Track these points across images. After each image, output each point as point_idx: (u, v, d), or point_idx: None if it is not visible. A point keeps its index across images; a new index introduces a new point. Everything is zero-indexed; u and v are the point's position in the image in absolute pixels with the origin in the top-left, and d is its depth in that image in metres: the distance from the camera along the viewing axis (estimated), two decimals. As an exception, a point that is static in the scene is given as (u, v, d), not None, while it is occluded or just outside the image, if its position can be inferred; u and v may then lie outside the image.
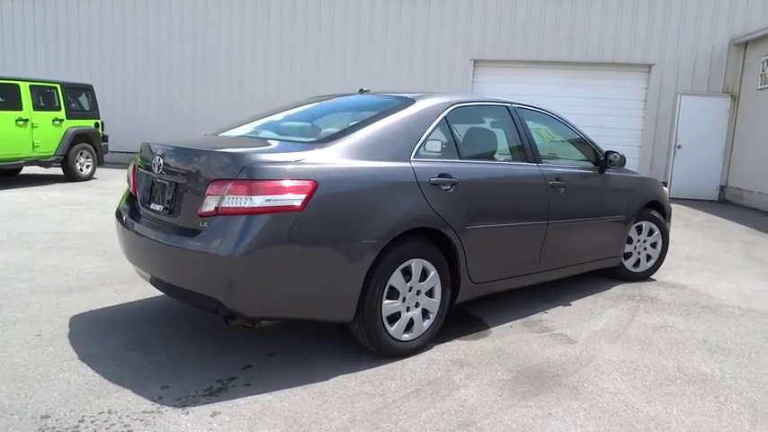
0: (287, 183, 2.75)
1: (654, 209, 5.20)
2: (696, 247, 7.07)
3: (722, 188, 12.54)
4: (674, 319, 4.20)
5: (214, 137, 3.73)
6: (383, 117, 3.33)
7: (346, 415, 2.63)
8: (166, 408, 2.64)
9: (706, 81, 12.38)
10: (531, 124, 4.20)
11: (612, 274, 5.18)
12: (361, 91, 4.12)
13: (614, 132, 12.81)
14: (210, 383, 2.89)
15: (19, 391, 2.73)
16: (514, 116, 4.07)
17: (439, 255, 3.36)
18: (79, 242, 5.84)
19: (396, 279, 3.15)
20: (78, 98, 11.11)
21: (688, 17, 12.30)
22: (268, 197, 2.71)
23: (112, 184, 10.76)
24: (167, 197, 3.13)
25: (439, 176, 3.34)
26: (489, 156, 3.94)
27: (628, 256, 5.13)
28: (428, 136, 3.42)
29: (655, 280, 5.31)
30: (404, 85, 13.39)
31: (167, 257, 2.96)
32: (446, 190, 3.35)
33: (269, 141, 3.32)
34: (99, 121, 11.49)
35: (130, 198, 3.61)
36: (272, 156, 2.85)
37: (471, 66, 13.27)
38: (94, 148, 11.35)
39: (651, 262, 5.26)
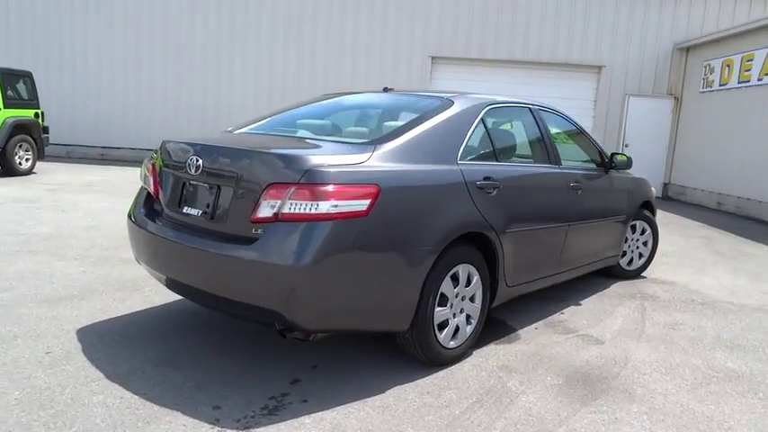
0: (353, 187, 2.61)
1: (646, 208, 5.36)
2: (665, 243, 7.37)
3: (665, 185, 13.22)
4: (682, 317, 4.35)
5: (250, 136, 3.49)
6: (428, 118, 3.22)
7: (421, 430, 2.53)
8: (229, 431, 2.44)
9: (652, 83, 12.99)
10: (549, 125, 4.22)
11: (607, 273, 5.31)
12: (385, 89, 3.98)
13: (566, 131, 13.20)
14: (264, 401, 2.70)
15: (55, 419, 2.45)
16: (536, 117, 4.07)
17: (481, 259, 3.30)
18: (48, 245, 5.37)
19: (446, 285, 3.07)
20: (16, 86, 10.26)
21: (635, 22, 12.84)
22: (335, 203, 2.55)
23: (59, 179, 10.02)
24: (207, 201, 2.89)
25: (484, 179, 3.27)
26: (521, 157, 3.92)
27: (623, 254, 5.27)
28: (470, 138, 3.35)
29: (645, 277, 5.49)
30: (361, 81, 13.25)
31: (213, 267, 2.74)
32: (489, 193, 3.30)
33: (316, 142, 3.14)
34: (39, 111, 10.67)
35: (148, 199, 3.33)
36: (333, 158, 2.69)
37: (429, 62, 13.30)
38: (34, 140, 10.51)
39: (643, 260, 5.43)
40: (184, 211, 3.00)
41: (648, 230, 5.39)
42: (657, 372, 3.31)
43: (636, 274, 5.42)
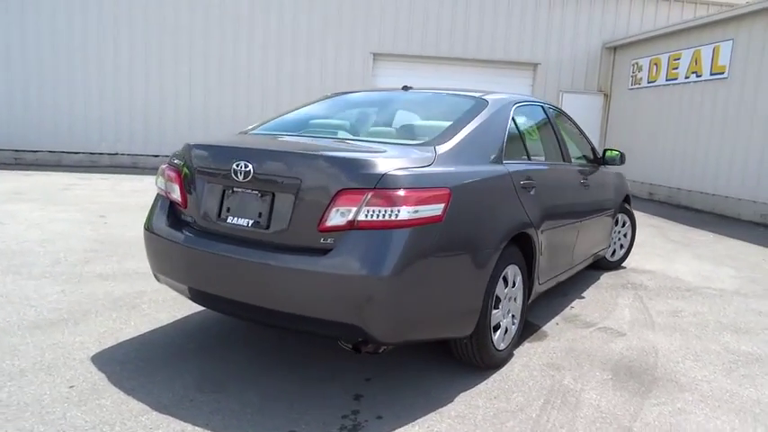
0: (429, 191, 2.50)
1: (626, 202, 5.59)
2: (623, 233, 7.75)
3: (597, 177, 13.90)
4: (678, 304, 4.56)
5: (288, 138, 3.25)
6: (471, 118, 3.17)
7: (510, 438, 2.48)
8: (318, 457, 2.27)
9: (583, 80, 13.62)
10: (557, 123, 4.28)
11: (593, 265, 5.47)
12: (405, 88, 3.87)
13: (504, 127, 13.59)
14: (338, 421, 2.54)
15: (121, 463, 2.18)
16: (549, 115, 4.12)
17: (522, 259, 3.29)
18: (3, 263, 4.82)
19: (499, 287, 3.03)
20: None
21: (568, 21, 13.41)
22: (415, 208, 2.44)
23: (-21, 189, 9.06)
24: (258, 210, 2.68)
25: (526, 179, 3.26)
26: (545, 155, 3.94)
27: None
28: (507, 137, 3.33)
29: (625, 267, 5.72)
30: (301, 81, 12.97)
31: (278, 281, 2.54)
32: (529, 192, 3.29)
33: (371, 145, 2.99)
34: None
35: (171, 209, 3.05)
36: (403, 161, 2.57)
37: (371, 59, 13.23)
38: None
39: (623, 251, 5.66)
40: (229, 221, 2.76)
41: (628, 222, 5.62)
42: (688, 359, 3.44)
43: (617, 265, 5.64)
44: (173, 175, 3.03)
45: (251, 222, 2.69)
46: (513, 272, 3.16)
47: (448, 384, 2.94)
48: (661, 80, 11.57)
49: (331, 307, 2.46)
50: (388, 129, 3.38)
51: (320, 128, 3.47)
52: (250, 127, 3.61)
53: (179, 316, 3.73)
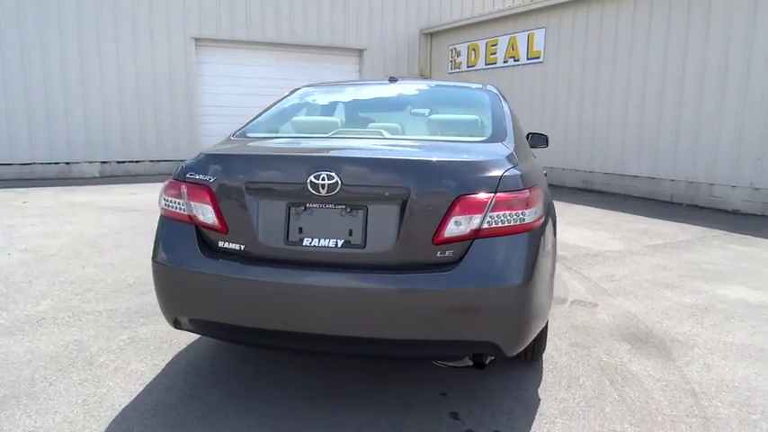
0: (535, 190, 2.40)
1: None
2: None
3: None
4: (603, 269, 5.10)
5: (331, 141, 2.86)
6: (499, 110, 3.11)
7: (637, 428, 2.54)
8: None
9: (406, 65, 14.23)
10: None
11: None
12: (392, 79, 3.61)
13: (335, 113, 13.64)
14: (465, 447, 2.35)
15: None
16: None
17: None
18: None
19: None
20: None
21: (388, 8, 13.83)
22: (533, 209, 2.33)
23: None
24: (348, 227, 2.30)
25: (545, 167, 3.31)
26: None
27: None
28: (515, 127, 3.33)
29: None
30: (112, 65, 11.35)
31: (387, 306, 2.23)
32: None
33: (437, 143, 2.74)
34: None
35: (200, 235, 2.46)
36: (505, 161, 2.41)
37: (193, 45, 12.11)
38: None
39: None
40: (305, 244, 2.32)
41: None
42: (665, 319, 3.86)
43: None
44: (201, 194, 2.44)
45: (340, 242, 2.30)
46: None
47: (516, 385, 2.89)
48: (480, 64, 12.62)
49: (461, 325, 2.24)
50: (433, 126, 3.14)
51: (353, 127, 3.10)
52: (237, 132, 3.04)
53: (224, 365, 3.06)
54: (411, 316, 2.23)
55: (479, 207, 2.23)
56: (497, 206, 2.24)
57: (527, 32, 11.33)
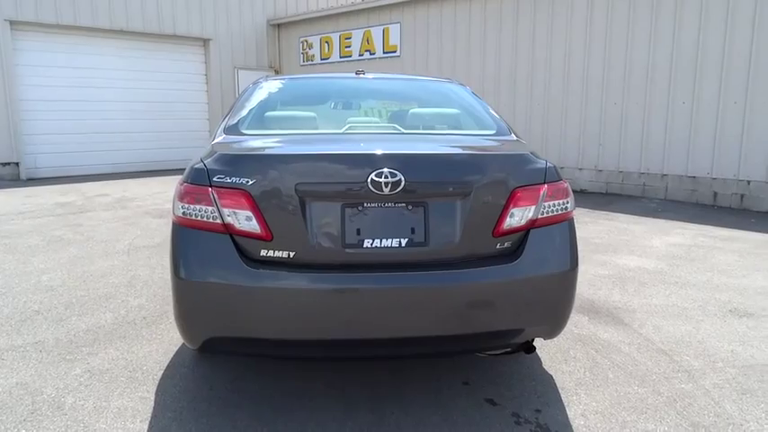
0: (566, 180, 2.55)
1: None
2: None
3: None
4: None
5: (347, 137, 2.72)
6: (483, 103, 3.21)
7: (642, 388, 2.82)
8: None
9: (255, 56, 13.72)
10: None
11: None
12: (358, 72, 3.48)
13: (181, 107, 12.78)
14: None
15: None
16: None
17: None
18: None
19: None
20: None
21: (233, -4, 13.20)
22: (571, 198, 2.48)
23: None
24: (410, 225, 2.22)
25: None
26: None
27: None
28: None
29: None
30: None
31: (459, 301, 2.22)
32: None
33: (459, 136, 2.72)
34: None
35: (236, 245, 2.19)
36: (536, 155, 2.52)
37: (8, 28, 10.39)
38: None
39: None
40: (366, 245, 2.19)
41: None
42: (599, 289, 4.32)
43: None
44: (237, 199, 2.17)
45: (404, 241, 2.21)
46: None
47: (522, 366, 3.03)
48: (335, 57, 12.66)
49: (522, 313, 2.31)
50: (442, 120, 3.11)
51: (359, 122, 2.96)
52: (227, 129, 2.73)
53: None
54: (479, 309, 2.25)
55: (534, 198, 2.32)
56: (549, 196, 2.35)
57: (382, 27, 11.63)
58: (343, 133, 2.78)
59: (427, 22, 10.92)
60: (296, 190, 2.18)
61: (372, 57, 11.93)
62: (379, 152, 2.23)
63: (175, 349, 3.19)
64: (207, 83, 13.12)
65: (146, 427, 2.42)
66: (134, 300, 4.01)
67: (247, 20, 13.49)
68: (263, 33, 13.82)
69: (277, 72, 14.10)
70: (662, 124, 8.37)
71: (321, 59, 13.00)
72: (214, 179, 2.21)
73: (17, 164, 10.74)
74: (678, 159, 8.30)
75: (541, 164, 2.40)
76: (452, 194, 2.25)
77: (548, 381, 2.87)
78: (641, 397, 2.71)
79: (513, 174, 2.33)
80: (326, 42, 12.81)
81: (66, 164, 11.31)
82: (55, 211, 7.41)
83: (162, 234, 6.09)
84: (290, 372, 2.89)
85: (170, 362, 3.03)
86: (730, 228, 6.60)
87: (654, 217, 7.28)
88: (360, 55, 12.16)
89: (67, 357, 3.08)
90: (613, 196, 8.83)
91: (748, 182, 7.76)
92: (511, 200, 2.29)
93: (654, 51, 8.30)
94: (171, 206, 7.80)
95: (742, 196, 7.83)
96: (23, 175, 10.76)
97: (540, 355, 3.15)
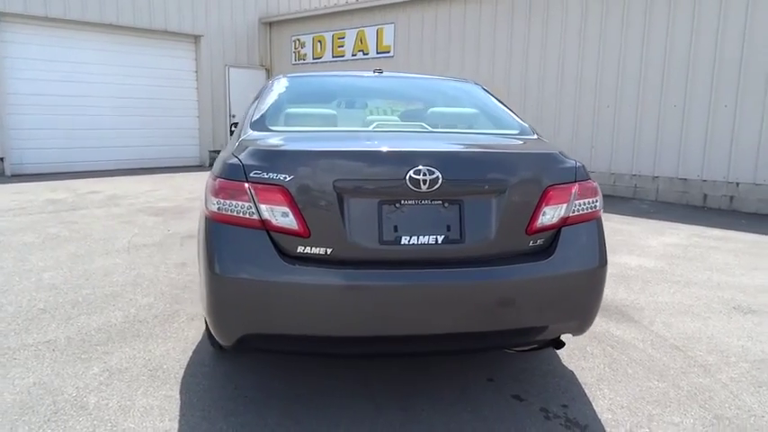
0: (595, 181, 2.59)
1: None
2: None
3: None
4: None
5: (377, 135, 2.70)
6: (500, 103, 3.24)
7: (662, 383, 2.87)
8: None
9: (246, 54, 13.63)
10: None
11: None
12: (376, 71, 3.49)
13: (171, 104, 12.64)
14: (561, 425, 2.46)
15: None
16: None
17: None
18: None
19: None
20: None
21: (225, -7, 13.10)
22: (600, 196, 2.51)
23: None
24: (446, 222, 2.24)
25: None
26: None
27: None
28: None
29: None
30: None
31: (496, 298, 2.25)
32: None
33: (491, 136, 2.75)
34: None
35: (273, 241, 2.19)
36: (565, 154, 2.55)
37: (-5, 21, 10.21)
38: None
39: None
40: (404, 242, 2.20)
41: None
42: (607, 288, 4.37)
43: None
44: (274, 195, 2.16)
45: (440, 238, 2.23)
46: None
47: (542, 362, 3.07)
48: (327, 57, 12.63)
49: (556, 309, 2.34)
50: (465, 119, 3.13)
51: (384, 120, 2.97)
52: (253, 124, 2.72)
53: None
54: (513, 305, 2.27)
55: (567, 197, 2.35)
56: (579, 195, 2.38)
57: (376, 27, 11.63)
58: (372, 131, 2.79)
59: (422, 23, 10.95)
60: (334, 186, 2.18)
61: (366, 57, 11.92)
62: (417, 150, 2.24)
63: (194, 347, 3.16)
64: (197, 80, 13.00)
65: (176, 425, 2.39)
66: (142, 298, 3.96)
67: (239, 17, 13.40)
68: (255, 31, 13.73)
69: (268, 71, 14.02)
70: (653, 127, 8.50)
71: (313, 59, 12.96)
72: (251, 174, 2.20)
73: (2, 159, 10.53)
74: (669, 162, 8.45)
75: (571, 163, 2.44)
76: (488, 192, 2.27)
77: (569, 377, 2.90)
78: (663, 391, 2.75)
79: (545, 172, 2.36)
80: (319, 41, 12.78)
81: (54, 160, 11.12)
82: (46, 209, 7.28)
83: (160, 232, 6.02)
84: (315, 370, 2.89)
85: (190, 360, 3.01)
86: (722, 228, 6.74)
87: (646, 218, 7.39)
88: (353, 55, 12.15)
89: (83, 356, 3.03)
90: (605, 197, 8.91)
91: (737, 184, 7.92)
92: (543, 198, 2.32)
93: (646, 55, 8.43)
94: (170, 204, 7.79)
95: (731, 198, 7.99)
96: (8, 171, 10.56)
97: (557, 353, 3.19)
